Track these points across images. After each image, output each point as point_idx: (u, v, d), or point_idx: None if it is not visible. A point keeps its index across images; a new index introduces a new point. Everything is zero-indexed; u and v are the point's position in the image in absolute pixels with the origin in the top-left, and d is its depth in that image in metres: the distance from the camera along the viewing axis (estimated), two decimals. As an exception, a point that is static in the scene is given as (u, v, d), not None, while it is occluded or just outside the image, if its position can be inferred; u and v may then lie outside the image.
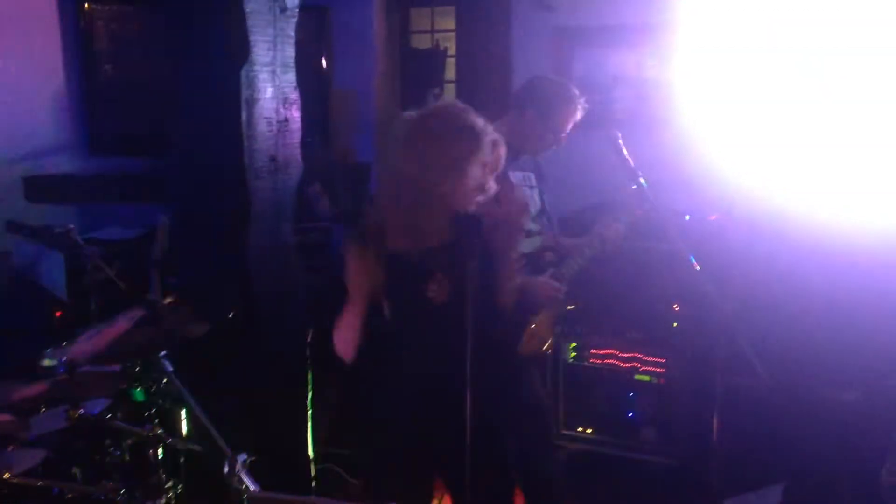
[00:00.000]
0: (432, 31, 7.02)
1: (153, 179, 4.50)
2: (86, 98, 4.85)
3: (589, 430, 4.22)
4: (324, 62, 5.40)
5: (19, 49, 4.61)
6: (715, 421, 3.17)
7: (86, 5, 4.77)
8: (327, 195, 4.54)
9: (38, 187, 4.59)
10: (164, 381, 2.85)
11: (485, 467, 2.35)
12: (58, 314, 3.94)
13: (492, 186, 2.39)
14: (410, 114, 2.41)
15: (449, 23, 6.54)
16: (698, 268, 3.05)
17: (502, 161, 2.46)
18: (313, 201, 4.45)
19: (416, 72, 6.71)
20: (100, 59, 4.85)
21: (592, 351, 4.19)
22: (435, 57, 7.00)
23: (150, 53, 4.79)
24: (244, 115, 2.82)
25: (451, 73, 6.79)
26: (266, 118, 2.91)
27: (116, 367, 2.89)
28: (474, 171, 2.33)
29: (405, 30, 6.94)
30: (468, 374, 2.19)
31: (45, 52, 4.77)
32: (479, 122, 2.36)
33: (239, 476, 2.42)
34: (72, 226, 3.36)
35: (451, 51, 6.67)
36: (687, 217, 4.24)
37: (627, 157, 3.30)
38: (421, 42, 7.11)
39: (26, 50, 4.65)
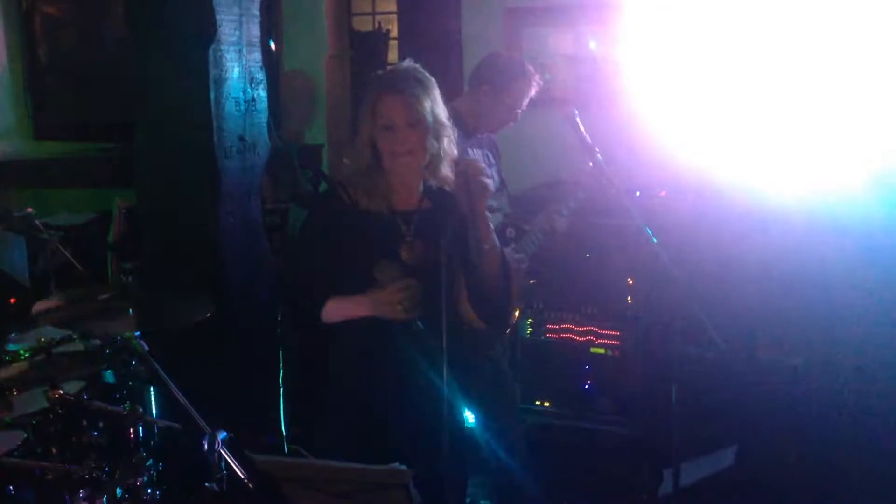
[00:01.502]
0: (374, 14, 7.03)
1: (103, 163, 4.45)
2: (30, 82, 4.74)
3: (546, 403, 4.30)
4: (272, 44, 5.37)
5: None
6: (673, 389, 3.28)
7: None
8: (272, 179, 4.54)
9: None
10: (135, 362, 2.86)
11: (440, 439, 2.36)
12: (12, 301, 3.87)
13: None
14: (379, 74, 2.45)
15: (390, 5, 6.55)
16: (655, 240, 3.17)
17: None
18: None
19: (360, 54, 6.72)
20: (44, 38, 4.74)
21: (549, 325, 4.27)
22: (377, 38, 7.01)
23: (97, 35, 4.70)
24: (213, 95, 2.82)
25: (393, 55, 6.81)
26: (234, 98, 2.90)
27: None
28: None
29: (347, 12, 6.93)
30: (444, 341, 2.21)
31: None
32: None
33: (220, 452, 2.45)
34: (30, 209, 3.31)
35: (394, 33, 6.70)
36: (637, 193, 4.35)
37: (585, 134, 3.39)
38: (363, 24, 7.11)
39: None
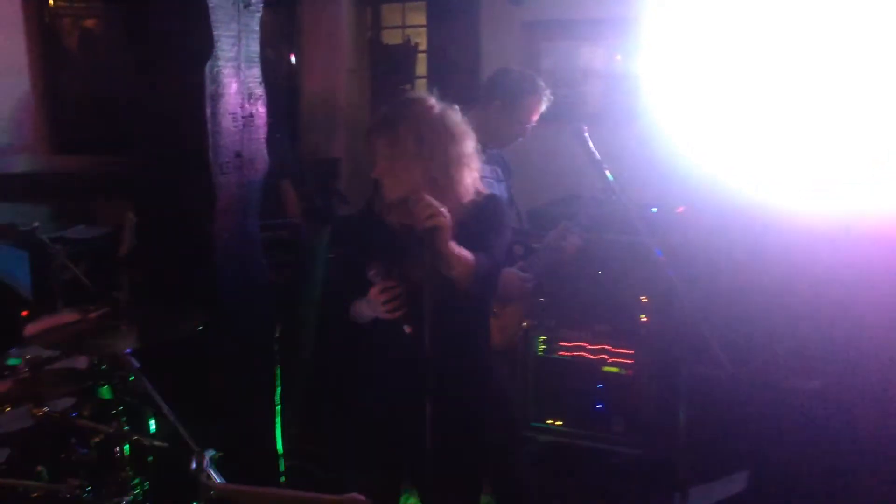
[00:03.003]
0: (403, 27, 7.03)
1: (119, 177, 4.48)
2: (50, 97, 4.81)
3: (558, 422, 4.24)
4: (293, 58, 5.39)
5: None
6: (681, 411, 3.20)
7: (51, 2, 4.72)
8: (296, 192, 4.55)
9: (2, 186, 4.54)
10: (131, 378, 2.86)
11: (450, 462, 2.36)
12: (24, 314, 3.90)
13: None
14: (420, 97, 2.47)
15: (420, 18, 6.55)
16: (663, 260, 3.10)
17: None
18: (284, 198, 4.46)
19: (387, 68, 6.72)
20: (64, 57, 4.80)
21: (561, 343, 4.21)
22: (406, 52, 7.01)
23: (116, 51, 4.75)
24: (209, 111, 2.81)
25: (422, 69, 6.80)
26: (231, 113, 2.89)
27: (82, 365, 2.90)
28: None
29: (377, 25, 6.94)
30: (429, 363, 2.20)
31: (7, 48, 4.72)
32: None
33: (207, 472, 2.43)
34: (37, 224, 3.33)
35: (423, 46, 6.69)
36: (654, 210, 4.28)
37: (593, 150, 3.34)
38: (392, 38, 7.11)
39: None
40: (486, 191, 2.59)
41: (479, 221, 2.45)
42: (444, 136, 2.40)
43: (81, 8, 4.83)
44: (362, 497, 1.61)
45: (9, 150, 4.74)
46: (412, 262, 2.41)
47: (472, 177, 2.48)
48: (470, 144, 2.48)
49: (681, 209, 4.34)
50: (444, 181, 2.37)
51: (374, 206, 2.53)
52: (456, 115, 2.47)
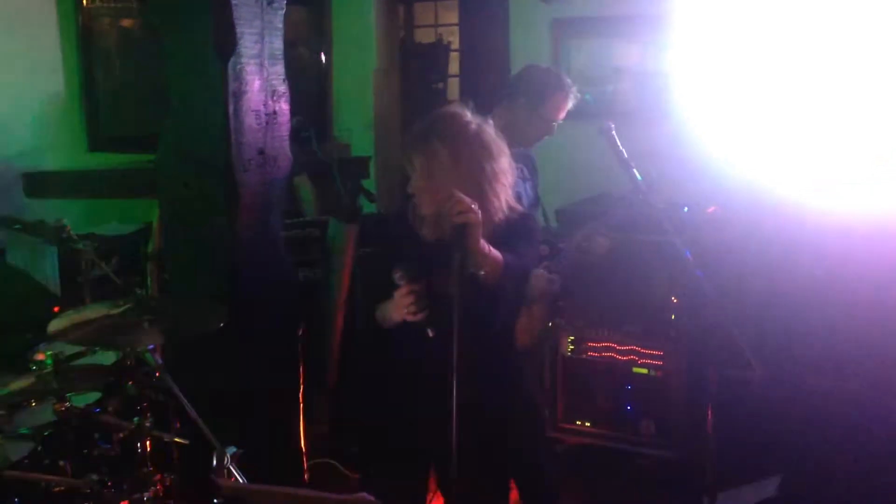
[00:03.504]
0: (435, 26, 7.02)
1: (151, 174, 4.51)
2: (85, 94, 4.86)
3: (587, 424, 4.20)
4: (322, 57, 5.40)
5: (19, 46, 4.62)
6: (710, 413, 3.15)
7: (85, 1, 4.77)
8: (316, 190, 4.55)
9: (37, 183, 4.59)
10: (156, 374, 2.87)
11: (477, 464, 2.35)
12: (55, 309, 3.94)
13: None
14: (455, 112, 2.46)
15: (452, 17, 6.53)
16: (691, 260, 3.05)
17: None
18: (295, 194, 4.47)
19: (420, 66, 6.71)
20: (99, 54, 4.85)
21: (590, 344, 4.17)
22: (438, 51, 6.99)
23: (149, 49, 4.79)
24: (231, 108, 2.81)
25: (454, 67, 6.79)
26: (254, 111, 2.90)
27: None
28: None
29: (409, 24, 6.94)
30: (454, 365, 2.19)
31: (44, 47, 4.78)
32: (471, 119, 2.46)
33: (228, 469, 2.43)
34: (65, 220, 3.36)
35: (455, 45, 6.67)
36: (686, 209, 4.21)
37: (621, 148, 3.29)
38: (424, 36, 7.10)
39: (25, 46, 4.66)
40: (519, 208, 2.60)
41: (510, 236, 2.46)
42: (481, 154, 2.41)
43: (118, 8, 4.88)
44: (372, 497, 1.60)
45: (43, 149, 4.80)
46: (441, 274, 2.40)
47: (506, 193, 2.49)
48: (505, 161, 2.49)
49: (712, 209, 4.28)
50: (478, 197, 2.35)
51: (408, 216, 2.53)
52: (491, 131, 2.48)
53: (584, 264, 3.53)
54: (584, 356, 4.18)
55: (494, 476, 2.66)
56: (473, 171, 2.39)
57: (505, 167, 2.48)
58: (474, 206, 2.24)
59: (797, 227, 3.80)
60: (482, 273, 2.30)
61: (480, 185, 2.39)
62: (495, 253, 2.33)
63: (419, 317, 2.36)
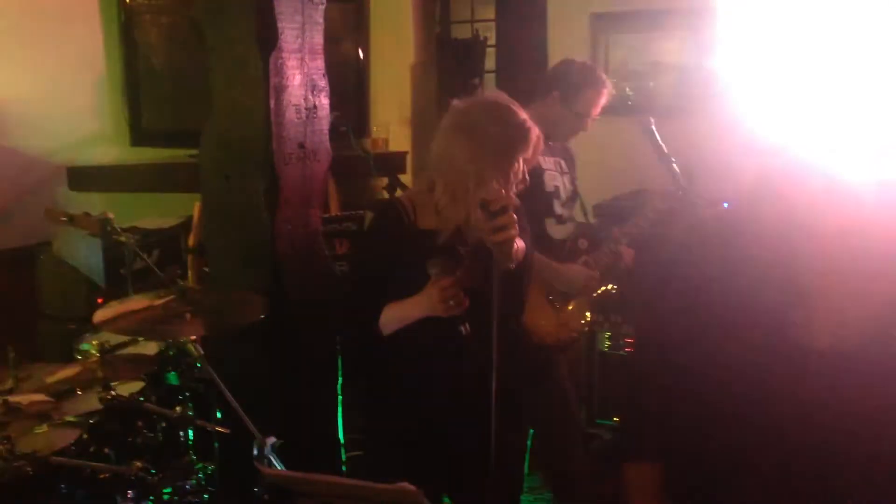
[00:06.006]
0: (472, 21, 7.01)
1: (192, 168, 4.57)
2: (127, 89, 4.92)
3: (623, 420, 4.18)
4: (360, 52, 5.42)
5: (61, 40, 4.70)
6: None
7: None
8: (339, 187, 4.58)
9: (81, 177, 4.67)
10: (197, 364, 2.91)
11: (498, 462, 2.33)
12: (100, 301, 4.01)
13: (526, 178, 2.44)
14: (459, 103, 2.44)
15: (489, 12, 6.52)
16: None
17: (538, 156, 2.50)
18: None
19: (456, 62, 6.70)
20: (140, 49, 4.91)
21: (627, 340, 4.15)
22: (475, 47, 6.98)
23: (190, 43, 4.84)
24: (272, 102, 2.84)
25: (490, 62, 6.77)
26: (294, 105, 2.92)
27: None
28: (517, 166, 2.38)
29: (445, 19, 6.93)
30: (494, 358, 2.19)
31: (86, 43, 4.85)
32: (524, 114, 2.42)
33: (268, 458, 2.46)
34: (109, 213, 3.41)
35: (492, 40, 6.65)
36: (726, 205, 4.17)
37: (661, 143, 3.27)
38: (461, 32, 7.09)
39: (69, 42, 4.74)
40: None
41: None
42: (520, 142, 2.41)
43: (159, 4, 4.94)
44: (414, 487, 1.60)
45: (86, 143, 4.87)
46: (470, 269, 2.38)
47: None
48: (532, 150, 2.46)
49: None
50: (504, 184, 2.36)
51: (403, 212, 2.45)
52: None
53: (615, 267, 3.50)
54: (620, 352, 4.16)
55: (510, 473, 2.64)
56: (513, 161, 2.37)
57: (529, 156, 2.46)
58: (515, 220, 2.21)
59: (842, 228, 3.73)
60: (512, 266, 2.29)
61: (507, 174, 2.37)
62: (520, 244, 2.33)
63: (459, 310, 2.31)
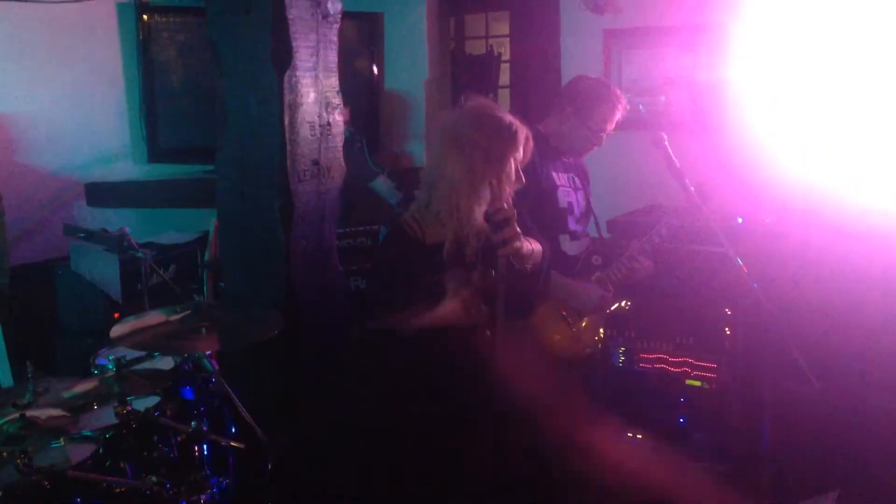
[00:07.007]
0: (486, 37, 7.05)
1: (208, 185, 4.61)
2: (145, 106, 4.98)
3: (639, 436, 4.15)
4: (374, 69, 5.46)
5: (81, 58, 4.76)
6: (765, 427, 3.10)
7: (145, 16, 4.89)
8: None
9: (99, 193, 4.73)
10: (213, 380, 2.93)
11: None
12: (116, 316, 4.04)
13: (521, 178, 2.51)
14: (445, 116, 2.50)
15: (504, 28, 6.56)
16: (745, 271, 3.02)
17: (530, 154, 2.53)
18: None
19: (470, 77, 6.74)
20: (158, 68, 4.96)
21: (642, 355, 4.13)
22: (489, 62, 7.02)
23: (207, 62, 4.89)
24: (287, 120, 2.86)
25: (505, 78, 6.80)
26: (309, 122, 2.95)
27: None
28: (510, 168, 2.45)
29: (460, 35, 6.98)
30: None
31: (104, 60, 4.91)
32: (509, 117, 2.49)
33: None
34: (127, 229, 3.45)
35: (506, 56, 6.69)
36: (740, 220, 4.16)
37: (674, 158, 3.28)
38: (476, 48, 7.14)
39: (87, 59, 4.80)
40: None
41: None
42: (511, 147, 2.49)
43: (176, 22, 4.99)
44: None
45: (104, 160, 4.93)
46: (480, 272, 2.43)
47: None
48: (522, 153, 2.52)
49: (768, 219, 4.22)
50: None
51: (409, 230, 2.54)
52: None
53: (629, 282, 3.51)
54: (636, 367, 4.14)
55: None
56: (505, 164, 2.44)
57: (520, 157, 2.52)
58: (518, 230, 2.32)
59: (857, 238, 3.73)
60: (528, 266, 2.40)
61: (500, 178, 2.45)
62: (535, 246, 2.42)
63: (481, 316, 2.39)
